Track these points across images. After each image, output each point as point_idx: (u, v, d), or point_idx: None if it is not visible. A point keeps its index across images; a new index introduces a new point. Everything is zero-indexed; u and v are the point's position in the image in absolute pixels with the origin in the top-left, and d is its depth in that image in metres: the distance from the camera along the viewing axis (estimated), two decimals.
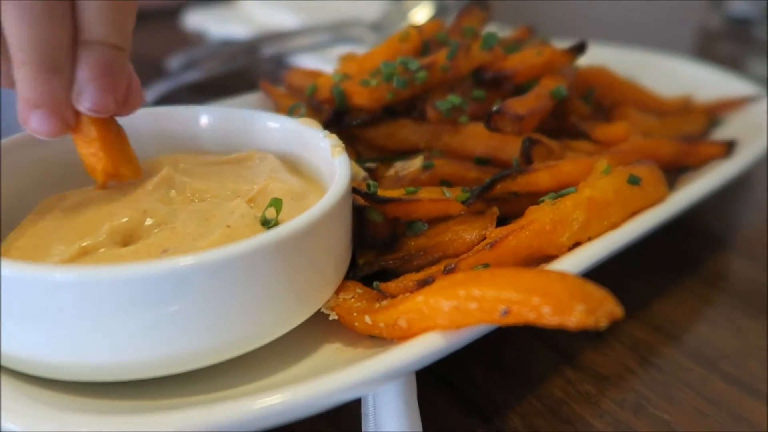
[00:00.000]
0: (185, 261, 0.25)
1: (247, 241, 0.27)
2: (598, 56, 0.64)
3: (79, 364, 0.26)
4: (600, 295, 0.24)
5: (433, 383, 0.35)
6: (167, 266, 0.25)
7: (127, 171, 0.34)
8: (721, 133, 0.55)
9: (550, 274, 0.25)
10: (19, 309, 0.26)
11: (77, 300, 0.25)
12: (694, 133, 0.55)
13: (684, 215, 0.49)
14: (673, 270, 0.46)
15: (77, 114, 0.31)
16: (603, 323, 0.23)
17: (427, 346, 0.27)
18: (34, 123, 0.29)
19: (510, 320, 0.25)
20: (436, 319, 0.27)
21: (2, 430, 0.24)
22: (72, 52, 0.29)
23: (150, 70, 0.76)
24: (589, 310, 0.23)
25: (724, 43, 1.16)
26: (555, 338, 0.39)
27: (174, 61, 0.78)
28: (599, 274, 0.42)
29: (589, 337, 0.39)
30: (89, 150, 0.32)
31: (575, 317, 0.23)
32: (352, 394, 0.26)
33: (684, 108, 0.59)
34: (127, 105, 0.32)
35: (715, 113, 0.59)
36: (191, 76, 0.77)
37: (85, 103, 0.30)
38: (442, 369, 0.36)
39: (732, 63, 1.04)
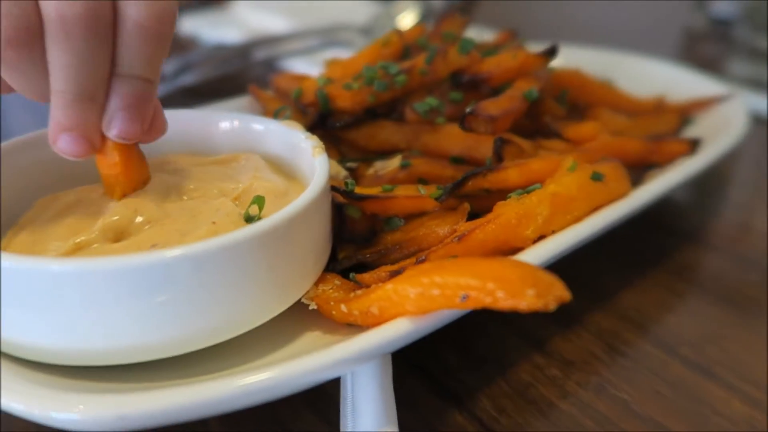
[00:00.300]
0: (173, 252, 0.27)
1: (229, 234, 0.29)
2: (577, 58, 0.67)
3: (75, 349, 0.28)
4: (549, 281, 0.26)
5: (410, 371, 0.37)
6: (156, 257, 0.27)
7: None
8: (693, 132, 0.57)
9: (505, 261, 0.27)
10: (18, 299, 0.28)
11: (73, 289, 0.27)
12: (666, 132, 0.57)
13: (653, 211, 0.51)
14: (642, 263, 0.48)
15: (104, 138, 0.33)
16: (552, 306, 0.25)
17: (396, 330, 0.29)
18: (62, 144, 0.32)
19: (469, 305, 0.27)
20: (405, 306, 0.29)
21: (3, 409, 0.26)
22: (107, 83, 0.31)
23: None
24: (539, 294, 0.25)
25: (707, 44, 1.18)
26: (525, 327, 0.41)
27: (168, 66, 0.80)
28: (571, 267, 0.45)
29: (558, 325, 0.41)
30: (111, 172, 0.35)
31: (526, 301, 0.25)
32: (328, 373, 0.28)
33: (657, 108, 0.61)
34: (151, 133, 0.35)
35: (687, 113, 0.61)
36: (185, 80, 0.80)
37: (114, 130, 0.32)
38: (418, 357, 0.38)
39: (714, 63, 1.07)
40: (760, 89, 0.86)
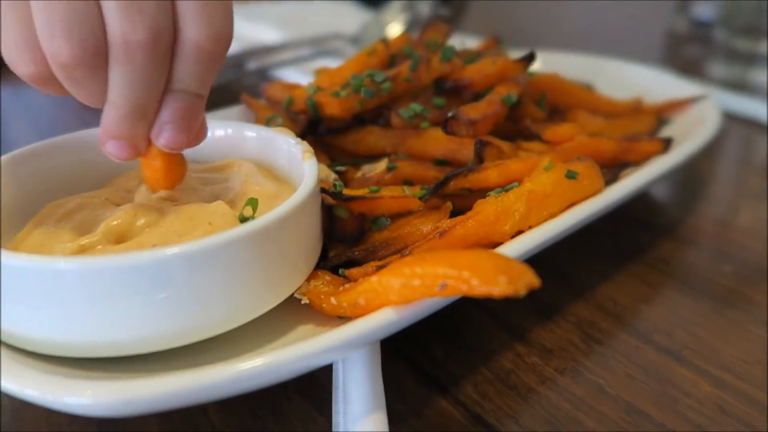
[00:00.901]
0: (171, 251, 0.30)
1: (224, 233, 0.31)
2: (559, 63, 0.69)
3: (81, 342, 0.31)
4: (520, 269, 0.28)
5: (399, 362, 0.39)
6: (156, 255, 0.30)
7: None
8: (669, 132, 0.60)
9: (480, 252, 0.30)
10: (27, 295, 0.30)
11: (78, 286, 0.29)
12: (643, 133, 0.60)
13: (632, 207, 0.54)
14: (620, 257, 0.51)
15: (149, 144, 0.35)
16: (522, 291, 0.28)
17: (381, 319, 0.31)
18: (110, 148, 0.34)
19: (447, 292, 0.29)
20: (389, 296, 0.31)
21: (18, 396, 0.28)
22: (161, 97, 0.33)
23: None
24: (510, 280, 0.28)
25: (690, 46, 1.22)
26: (508, 319, 0.43)
27: None
28: (552, 261, 0.47)
29: (538, 316, 0.43)
30: (153, 176, 0.37)
31: (499, 287, 0.28)
32: (319, 359, 0.30)
33: (634, 109, 0.64)
34: (195, 140, 0.37)
35: (663, 114, 0.64)
36: None
37: (162, 140, 0.35)
38: (407, 350, 0.40)
39: (696, 65, 1.10)
40: (738, 90, 0.89)
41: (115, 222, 0.35)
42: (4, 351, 0.31)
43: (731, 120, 0.81)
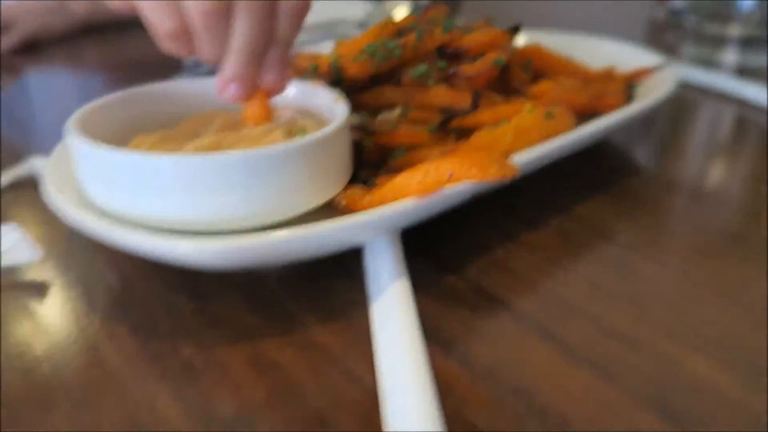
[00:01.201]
0: (238, 154, 0.40)
1: (283, 143, 0.42)
2: (542, 39, 0.80)
3: (174, 219, 0.41)
4: (506, 162, 0.39)
5: (415, 254, 0.50)
6: (237, 155, 0.40)
7: None
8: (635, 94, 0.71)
9: (477, 152, 0.41)
10: (129, 181, 0.41)
11: (176, 176, 0.40)
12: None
13: (595, 149, 0.65)
14: (595, 190, 0.62)
15: (253, 90, 0.47)
16: (508, 176, 0.39)
17: (402, 206, 0.42)
18: (230, 91, 0.46)
19: (454, 179, 0.40)
20: (410, 189, 0.42)
21: (137, 250, 0.38)
22: (267, 46, 0.46)
23: (169, 64, 0.91)
24: (499, 169, 0.38)
25: (668, 32, 1.33)
26: (504, 226, 0.53)
27: (189, 58, 0.93)
28: (540, 190, 0.58)
29: (527, 226, 0.54)
30: (258, 113, 0.49)
31: (491, 173, 0.39)
32: (351, 234, 0.41)
33: (606, 76, 0.75)
34: (286, 83, 0.49)
35: (632, 80, 0.75)
36: (204, 69, 0.93)
37: (267, 79, 0.47)
38: (422, 245, 0.50)
39: (673, 48, 1.21)
40: (706, 66, 1.00)
41: (204, 141, 0.46)
42: (126, 225, 0.41)
43: (700, 93, 0.93)
